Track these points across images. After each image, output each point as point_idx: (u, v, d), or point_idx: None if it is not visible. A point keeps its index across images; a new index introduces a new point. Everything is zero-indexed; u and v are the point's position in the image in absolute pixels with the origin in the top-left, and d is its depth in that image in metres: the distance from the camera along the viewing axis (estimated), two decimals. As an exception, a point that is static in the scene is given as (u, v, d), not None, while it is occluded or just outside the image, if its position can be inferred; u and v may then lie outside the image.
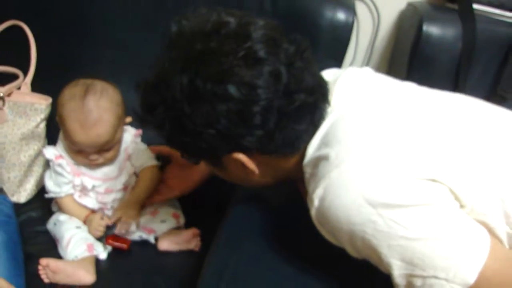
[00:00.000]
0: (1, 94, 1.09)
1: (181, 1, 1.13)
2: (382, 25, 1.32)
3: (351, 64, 1.33)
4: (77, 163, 0.98)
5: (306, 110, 0.65)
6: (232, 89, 0.60)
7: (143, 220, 1.01)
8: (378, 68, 1.31)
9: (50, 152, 1.00)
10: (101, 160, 0.95)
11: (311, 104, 0.65)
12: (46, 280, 0.87)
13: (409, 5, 1.25)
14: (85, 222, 0.98)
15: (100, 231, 0.93)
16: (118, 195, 1.02)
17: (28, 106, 1.12)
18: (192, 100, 0.61)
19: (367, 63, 1.35)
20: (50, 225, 1.00)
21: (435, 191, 0.60)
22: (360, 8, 1.28)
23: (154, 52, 0.67)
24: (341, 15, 1.10)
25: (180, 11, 0.68)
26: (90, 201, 1.01)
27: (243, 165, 0.67)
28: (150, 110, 0.65)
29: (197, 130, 0.62)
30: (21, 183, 1.11)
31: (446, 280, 0.58)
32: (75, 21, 1.20)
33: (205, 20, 0.64)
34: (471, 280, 0.57)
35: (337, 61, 1.13)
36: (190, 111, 0.61)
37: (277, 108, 0.62)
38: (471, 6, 1.14)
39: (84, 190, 1.00)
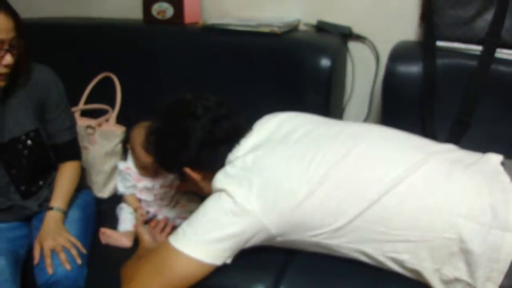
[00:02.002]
0: (94, 125, 1.69)
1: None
2: (381, 63, 1.65)
3: (349, 98, 1.68)
4: (140, 173, 1.52)
5: (221, 147, 1.09)
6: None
7: (178, 211, 1.51)
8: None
9: (122, 165, 1.56)
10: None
11: (225, 143, 1.09)
12: (103, 242, 1.41)
13: (400, 43, 1.57)
14: (135, 210, 1.51)
15: (139, 219, 1.43)
16: (165, 190, 1.52)
17: (111, 133, 1.70)
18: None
19: (370, 96, 1.68)
20: (117, 210, 1.54)
21: None
22: (360, 47, 1.63)
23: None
24: (321, 61, 1.48)
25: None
26: (148, 195, 1.53)
27: (190, 176, 1.14)
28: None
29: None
30: (104, 184, 1.69)
31: None
32: (149, 75, 1.76)
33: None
34: None
35: (321, 96, 1.50)
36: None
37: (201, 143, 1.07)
38: (434, 43, 1.44)
39: (145, 189, 1.53)
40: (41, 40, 1.64)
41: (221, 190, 1.03)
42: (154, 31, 1.76)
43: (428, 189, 0.97)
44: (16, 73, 1.27)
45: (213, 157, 1.09)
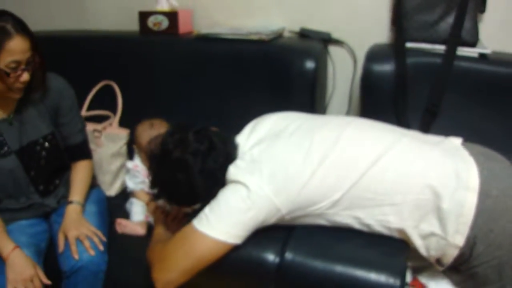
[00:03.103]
0: (100, 128, 1.88)
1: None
2: (358, 63, 1.89)
3: (331, 95, 1.92)
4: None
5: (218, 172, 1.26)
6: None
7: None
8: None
9: (130, 164, 1.75)
10: None
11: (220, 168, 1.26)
12: (118, 231, 1.59)
13: (374, 45, 1.81)
14: (147, 204, 1.70)
15: (154, 210, 1.62)
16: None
17: (116, 136, 1.90)
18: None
19: (349, 93, 1.91)
20: (127, 204, 1.72)
21: None
22: (339, 50, 1.87)
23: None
24: (306, 64, 1.70)
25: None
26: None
27: None
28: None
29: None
30: (111, 183, 1.88)
31: None
32: (147, 82, 1.97)
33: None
34: None
35: (306, 95, 1.71)
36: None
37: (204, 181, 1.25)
38: (403, 45, 1.68)
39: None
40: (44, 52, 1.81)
41: (235, 182, 1.24)
42: (151, 41, 1.96)
43: (404, 161, 1.20)
44: (32, 85, 1.43)
45: (215, 183, 1.27)
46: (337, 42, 1.89)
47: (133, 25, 2.05)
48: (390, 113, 1.66)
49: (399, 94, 1.64)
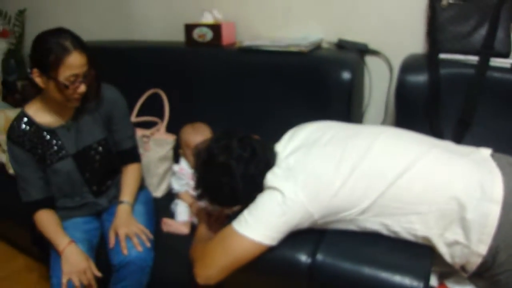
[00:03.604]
0: (148, 134, 2.05)
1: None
2: (394, 73, 1.97)
3: (368, 104, 2.01)
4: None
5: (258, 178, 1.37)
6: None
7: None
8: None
9: (176, 167, 1.90)
10: None
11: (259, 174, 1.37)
12: (164, 230, 1.74)
13: (409, 56, 1.89)
14: (191, 205, 1.84)
15: (199, 210, 1.76)
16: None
17: (163, 141, 2.06)
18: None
19: (386, 103, 1.99)
20: (172, 205, 1.87)
21: None
22: (376, 61, 1.96)
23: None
24: (342, 74, 1.80)
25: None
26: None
27: None
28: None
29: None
30: (158, 186, 2.04)
31: None
32: (189, 90, 2.12)
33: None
34: None
35: (343, 104, 1.81)
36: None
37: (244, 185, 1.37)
38: (437, 56, 1.75)
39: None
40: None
41: (272, 188, 1.36)
42: (196, 52, 2.10)
43: (431, 173, 1.28)
44: (88, 95, 1.59)
45: (255, 188, 1.38)
46: (374, 53, 1.98)
47: (179, 36, 2.20)
48: (424, 123, 1.73)
49: (432, 104, 1.71)
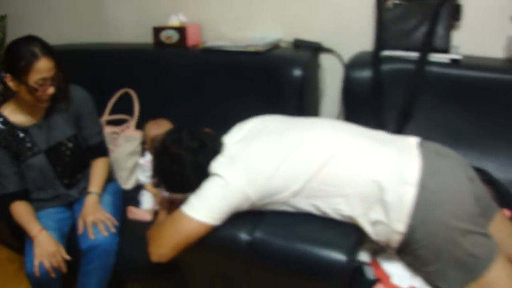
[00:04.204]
0: (118, 131, 2.24)
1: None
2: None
3: (323, 99, 2.19)
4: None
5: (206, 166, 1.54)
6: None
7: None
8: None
9: (142, 160, 2.09)
10: None
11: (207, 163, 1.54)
12: (129, 217, 1.93)
13: (357, 54, 2.07)
14: (154, 195, 2.03)
15: (161, 199, 1.94)
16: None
17: (131, 137, 2.24)
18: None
19: (340, 97, 2.16)
20: (139, 195, 2.05)
21: None
22: (329, 58, 2.14)
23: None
24: (294, 72, 1.99)
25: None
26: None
27: None
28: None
29: None
30: (128, 179, 2.22)
31: None
32: (160, 90, 2.31)
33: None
34: None
35: (296, 99, 1.99)
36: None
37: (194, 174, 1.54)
38: (380, 52, 1.94)
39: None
40: (70, 63, 2.11)
41: (216, 174, 1.54)
42: (163, 53, 2.29)
43: (355, 160, 1.45)
44: (57, 96, 1.77)
45: (203, 175, 1.55)
46: (328, 51, 2.16)
47: (148, 38, 2.38)
48: (369, 115, 1.91)
49: (376, 98, 1.88)
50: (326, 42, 2.15)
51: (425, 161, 1.41)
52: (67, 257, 1.70)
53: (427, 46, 1.87)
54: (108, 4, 2.57)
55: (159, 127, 1.95)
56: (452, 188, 1.37)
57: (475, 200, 1.41)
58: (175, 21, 2.29)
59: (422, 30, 1.90)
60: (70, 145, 1.85)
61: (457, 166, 1.45)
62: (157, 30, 2.29)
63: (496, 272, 1.34)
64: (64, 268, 1.69)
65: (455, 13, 1.94)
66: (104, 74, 2.33)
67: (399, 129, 1.85)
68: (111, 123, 2.27)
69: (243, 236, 1.47)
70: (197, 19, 2.36)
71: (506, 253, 1.46)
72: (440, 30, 1.89)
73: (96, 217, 1.76)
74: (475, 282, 1.35)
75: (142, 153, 2.14)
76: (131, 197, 2.06)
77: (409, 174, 1.37)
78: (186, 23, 2.31)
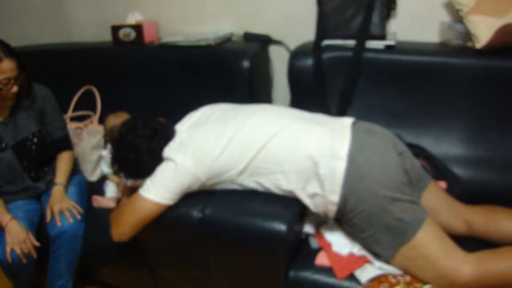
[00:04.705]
0: (82, 126, 2.41)
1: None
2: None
3: (273, 87, 2.39)
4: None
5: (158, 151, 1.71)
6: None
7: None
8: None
9: (104, 152, 2.26)
10: None
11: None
12: (94, 205, 2.10)
13: (302, 44, 2.27)
14: (118, 184, 2.21)
15: (123, 186, 2.11)
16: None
17: (95, 131, 2.40)
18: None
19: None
20: (104, 186, 2.23)
21: None
22: (278, 49, 2.33)
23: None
24: (243, 63, 2.17)
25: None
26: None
27: None
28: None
29: None
30: (93, 171, 2.38)
31: None
32: (118, 85, 2.48)
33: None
34: None
35: (246, 89, 2.18)
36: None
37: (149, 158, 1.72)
38: (320, 42, 2.13)
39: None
40: (33, 64, 2.23)
41: (168, 158, 1.72)
42: (122, 50, 2.45)
43: (292, 139, 1.63)
44: (21, 95, 1.93)
45: (158, 161, 1.72)
46: (276, 42, 2.35)
47: (108, 37, 2.54)
48: (314, 101, 2.10)
49: (318, 84, 2.08)
50: (274, 34, 2.33)
51: (355, 137, 1.60)
52: (37, 243, 1.86)
53: (364, 34, 2.05)
54: (68, 5, 2.71)
55: (118, 119, 2.12)
56: (378, 160, 1.56)
57: (404, 172, 1.60)
58: (132, 19, 2.45)
59: (359, 19, 2.08)
60: (35, 140, 2.00)
61: (385, 142, 1.63)
62: (115, 29, 2.44)
63: (424, 235, 1.52)
64: (34, 254, 1.85)
65: (391, 2, 2.13)
66: (66, 73, 2.48)
67: (341, 112, 2.04)
68: (75, 119, 2.42)
69: (195, 213, 1.65)
70: (153, 17, 2.52)
71: (440, 220, 1.67)
72: (375, 18, 2.08)
73: (62, 206, 1.92)
74: (406, 244, 1.53)
75: (105, 146, 2.30)
76: (97, 188, 2.23)
77: (339, 150, 1.56)
78: (142, 21, 2.47)
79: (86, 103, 2.45)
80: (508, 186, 1.81)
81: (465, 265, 1.45)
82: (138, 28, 2.40)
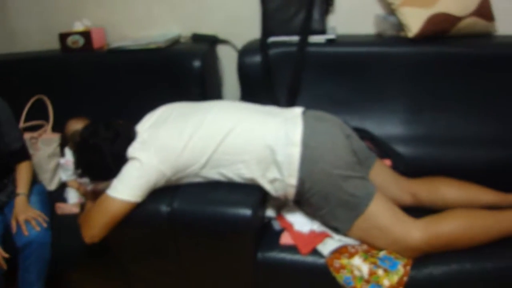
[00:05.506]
0: (36, 135, 2.47)
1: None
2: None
3: (224, 85, 2.54)
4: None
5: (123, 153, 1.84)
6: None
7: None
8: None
9: (63, 160, 2.34)
10: None
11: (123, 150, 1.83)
12: (58, 212, 2.18)
13: (249, 42, 2.43)
14: (78, 190, 2.29)
15: (85, 190, 2.21)
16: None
17: (50, 140, 2.47)
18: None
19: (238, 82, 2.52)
20: (64, 193, 2.31)
21: None
22: (226, 48, 2.49)
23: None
24: (193, 63, 2.32)
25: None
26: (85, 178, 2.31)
27: None
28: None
29: None
30: (50, 180, 2.45)
31: None
32: (70, 92, 2.55)
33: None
34: None
35: (198, 88, 2.33)
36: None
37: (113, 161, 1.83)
38: (266, 39, 2.31)
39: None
40: None
41: (133, 158, 1.85)
42: (71, 58, 2.52)
43: (249, 130, 1.78)
44: None
45: (122, 162, 1.82)
46: (224, 42, 2.50)
47: (56, 45, 2.61)
48: (263, 95, 2.28)
49: (267, 79, 2.25)
50: (221, 34, 2.49)
51: (306, 125, 1.77)
52: (5, 254, 1.91)
53: (306, 29, 2.25)
54: (13, 15, 2.74)
55: (78, 123, 2.20)
56: (329, 143, 1.75)
57: (352, 152, 1.80)
58: (79, 26, 2.53)
59: (301, 16, 2.28)
60: (-8, 152, 2.06)
61: (334, 126, 1.83)
62: (63, 36, 2.52)
63: (375, 207, 1.72)
64: (4, 265, 1.90)
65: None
66: (15, 83, 2.52)
67: (290, 103, 2.22)
68: (28, 129, 2.48)
69: (163, 207, 1.78)
70: (100, 23, 2.62)
71: (388, 194, 1.87)
72: (316, 14, 2.28)
73: (27, 215, 1.99)
74: (360, 217, 1.72)
75: (62, 153, 2.38)
76: (57, 196, 2.30)
77: (293, 137, 1.74)
78: (90, 27, 2.56)
79: (38, 112, 2.51)
80: (445, 158, 2.06)
81: (415, 230, 1.66)
82: (86, 34, 2.48)
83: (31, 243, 1.94)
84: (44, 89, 2.52)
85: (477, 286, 1.64)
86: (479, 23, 2.20)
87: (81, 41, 2.49)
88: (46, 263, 1.99)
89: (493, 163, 2.01)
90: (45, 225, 1.99)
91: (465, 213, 1.70)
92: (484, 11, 2.20)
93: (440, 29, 2.16)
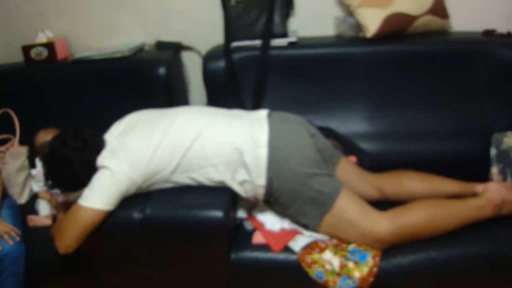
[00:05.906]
0: (3, 149, 2.48)
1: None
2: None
3: (190, 90, 2.60)
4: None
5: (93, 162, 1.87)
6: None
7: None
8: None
9: (34, 171, 2.35)
10: None
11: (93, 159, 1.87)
12: (30, 225, 2.20)
13: (212, 48, 2.50)
14: (49, 201, 2.31)
15: (56, 202, 2.23)
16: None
17: (18, 153, 2.48)
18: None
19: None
20: (35, 205, 2.32)
21: None
22: (191, 54, 2.54)
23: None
24: (158, 70, 2.37)
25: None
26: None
27: None
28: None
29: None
30: (20, 193, 2.46)
31: None
32: (36, 104, 2.57)
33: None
34: None
35: (164, 94, 2.38)
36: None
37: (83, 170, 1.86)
38: (229, 44, 2.37)
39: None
40: None
41: (103, 166, 1.89)
42: (35, 70, 2.54)
43: (217, 134, 1.85)
44: None
45: (92, 171, 1.86)
46: (188, 48, 2.56)
47: (19, 57, 2.61)
48: (229, 99, 2.34)
49: (231, 83, 2.32)
50: (185, 41, 2.55)
51: (272, 126, 1.85)
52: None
53: (268, 33, 2.33)
54: (-29, 29, 2.74)
55: (48, 134, 2.22)
56: (294, 143, 1.83)
57: (318, 151, 1.88)
58: (42, 38, 2.55)
59: (262, 20, 2.35)
60: (-40, 169, 2.07)
61: (298, 127, 1.90)
62: (26, 49, 2.53)
63: (342, 202, 1.80)
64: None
65: (289, 3, 2.43)
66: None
67: (255, 106, 2.29)
68: (-7, 145, 2.48)
69: (136, 214, 1.82)
70: (63, 34, 2.64)
71: (354, 190, 1.94)
72: (277, 18, 2.36)
73: (-1, 230, 2.02)
74: (328, 212, 1.80)
75: (32, 165, 2.39)
76: (29, 208, 2.31)
77: (260, 138, 1.81)
78: (53, 38, 2.58)
79: (4, 126, 2.51)
80: (407, 152, 2.17)
81: (381, 222, 1.75)
82: (49, 46, 2.51)
83: (5, 257, 1.96)
84: (9, 102, 2.52)
85: (444, 273, 1.73)
86: (434, 21, 2.31)
87: (44, 52, 2.51)
88: (21, 276, 2.00)
89: (452, 154, 2.12)
90: (18, 238, 2.01)
91: (428, 203, 1.80)
92: (439, 9, 2.32)
93: (397, 28, 2.27)
